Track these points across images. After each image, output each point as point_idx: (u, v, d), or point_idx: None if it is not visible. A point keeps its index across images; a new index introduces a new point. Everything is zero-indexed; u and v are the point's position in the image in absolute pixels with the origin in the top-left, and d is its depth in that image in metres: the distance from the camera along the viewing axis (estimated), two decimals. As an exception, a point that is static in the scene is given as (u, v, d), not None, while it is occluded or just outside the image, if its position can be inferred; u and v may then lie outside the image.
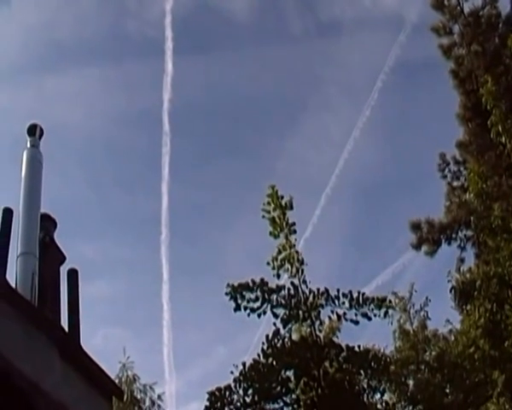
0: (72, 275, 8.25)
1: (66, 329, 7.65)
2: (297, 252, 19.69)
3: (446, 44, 24.13)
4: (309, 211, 28.52)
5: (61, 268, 8.29)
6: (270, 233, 19.89)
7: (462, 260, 23.38)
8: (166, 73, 29.91)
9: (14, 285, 7.26)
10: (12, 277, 7.36)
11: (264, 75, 36.70)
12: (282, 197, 19.83)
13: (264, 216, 19.98)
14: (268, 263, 19.59)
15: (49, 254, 8.05)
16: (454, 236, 23.78)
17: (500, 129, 18.95)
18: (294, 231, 19.91)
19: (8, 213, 7.81)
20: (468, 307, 18.74)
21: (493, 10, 23.92)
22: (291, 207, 19.85)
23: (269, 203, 19.93)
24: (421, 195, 35.15)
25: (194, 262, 37.28)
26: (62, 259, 8.37)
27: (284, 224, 19.84)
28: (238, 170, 37.62)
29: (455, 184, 24.62)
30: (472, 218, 20.85)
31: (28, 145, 8.58)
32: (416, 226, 24.12)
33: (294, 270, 19.40)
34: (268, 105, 37.82)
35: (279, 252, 19.70)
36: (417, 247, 24.26)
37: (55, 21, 34.08)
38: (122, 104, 35.43)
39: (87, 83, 34.53)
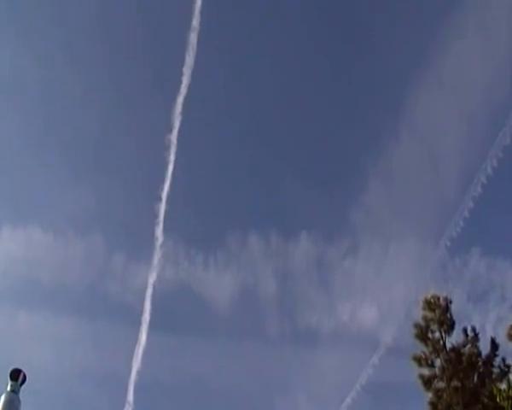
0: None
1: None
2: None
3: (427, 375, 24.58)
4: None
5: None
6: None
7: None
8: (139, 344, 29.84)
9: None
10: None
11: (234, 369, 36.69)
12: None
13: None
14: None
15: None
16: None
17: None
18: None
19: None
20: None
21: (474, 349, 24.67)
22: None
23: None
24: None
25: None
26: None
27: None
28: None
29: None
30: None
31: (8, 389, 8.38)
32: None
33: None
34: (235, 399, 37.22)
35: None
36: None
37: (39, 261, 34.83)
38: (91, 360, 34.86)
39: (60, 335, 34.13)
